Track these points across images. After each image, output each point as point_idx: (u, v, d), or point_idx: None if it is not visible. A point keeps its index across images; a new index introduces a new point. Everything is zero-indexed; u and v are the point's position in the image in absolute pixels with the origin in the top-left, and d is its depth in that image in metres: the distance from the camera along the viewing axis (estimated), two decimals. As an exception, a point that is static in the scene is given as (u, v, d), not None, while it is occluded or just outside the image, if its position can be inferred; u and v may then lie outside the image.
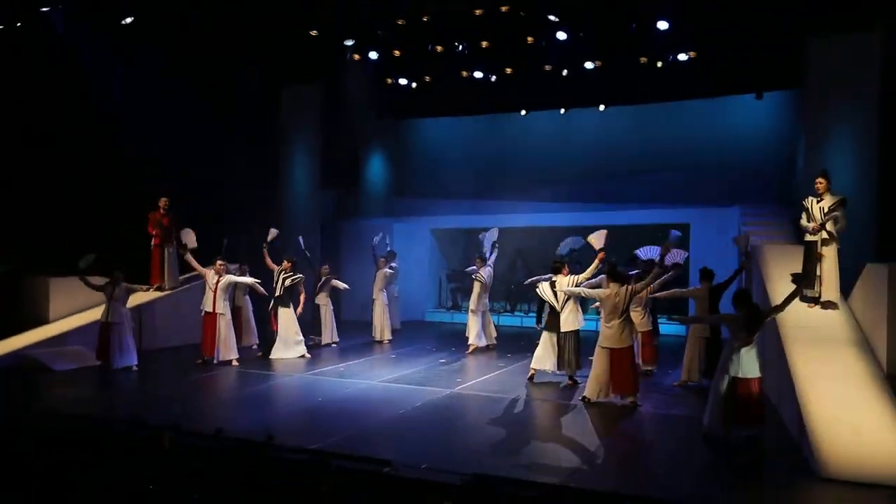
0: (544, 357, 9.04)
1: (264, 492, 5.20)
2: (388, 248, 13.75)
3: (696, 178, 14.71)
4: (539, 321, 9.58)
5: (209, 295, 10.43)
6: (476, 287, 11.65)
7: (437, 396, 8.42)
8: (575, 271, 9.18)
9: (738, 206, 13.38)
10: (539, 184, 16.02)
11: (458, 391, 8.73)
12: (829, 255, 7.87)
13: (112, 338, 9.80)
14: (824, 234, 7.88)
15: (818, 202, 7.97)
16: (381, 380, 9.41)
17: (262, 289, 11.22)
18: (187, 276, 12.57)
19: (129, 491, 5.26)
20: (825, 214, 7.84)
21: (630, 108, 15.33)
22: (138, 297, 11.15)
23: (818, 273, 7.88)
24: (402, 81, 15.30)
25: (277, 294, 10.98)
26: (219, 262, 10.55)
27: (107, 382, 9.23)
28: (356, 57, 14.20)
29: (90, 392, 8.65)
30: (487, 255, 11.82)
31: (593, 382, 7.90)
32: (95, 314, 10.90)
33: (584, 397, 7.96)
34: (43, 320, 11.17)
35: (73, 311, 11.46)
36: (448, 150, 17.61)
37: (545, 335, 9.08)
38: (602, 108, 15.25)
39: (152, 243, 11.99)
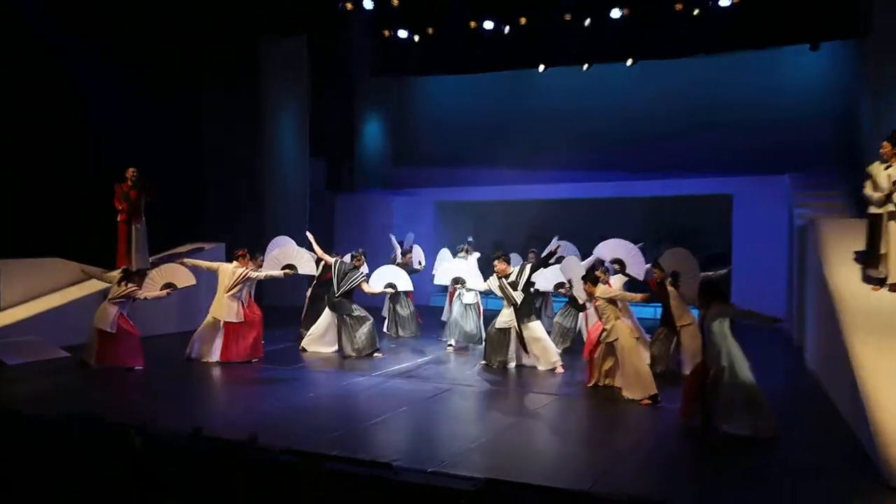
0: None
1: (248, 498, 5.17)
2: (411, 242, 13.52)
3: (739, 142, 14.60)
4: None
5: (227, 300, 9.96)
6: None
7: (445, 391, 8.39)
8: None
9: (789, 174, 13.24)
10: (559, 151, 15.88)
11: (469, 385, 8.72)
12: (898, 229, 7.73)
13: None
14: (891, 206, 7.72)
15: (885, 168, 7.80)
16: (381, 372, 9.40)
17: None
18: (158, 256, 12.53)
19: (96, 497, 5.23)
20: (894, 183, 7.68)
21: (663, 63, 15.15)
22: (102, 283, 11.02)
23: (884, 251, 7.74)
24: (402, 34, 15.11)
25: (338, 295, 10.52)
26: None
27: (69, 377, 9.21)
28: (349, 6, 14.05)
29: (49, 388, 8.62)
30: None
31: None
32: (52, 301, 10.89)
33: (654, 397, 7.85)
34: (-7, 308, 11.17)
35: (27, 297, 11.44)
36: (454, 114, 17.49)
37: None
38: (630, 63, 15.06)
39: (118, 219, 11.89)
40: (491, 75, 16.76)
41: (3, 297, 11.26)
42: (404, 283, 11.35)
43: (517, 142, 16.19)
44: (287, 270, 10.62)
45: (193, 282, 9.87)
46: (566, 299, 10.79)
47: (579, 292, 9.28)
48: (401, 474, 5.54)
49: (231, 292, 9.98)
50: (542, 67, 15.87)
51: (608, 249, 10.23)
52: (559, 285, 10.41)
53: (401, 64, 16.26)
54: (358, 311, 10.53)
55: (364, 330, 10.45)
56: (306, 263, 10.92)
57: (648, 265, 9.77)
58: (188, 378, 9.31)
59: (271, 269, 10.62)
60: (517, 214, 13.39)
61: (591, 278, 8.53)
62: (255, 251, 11.25)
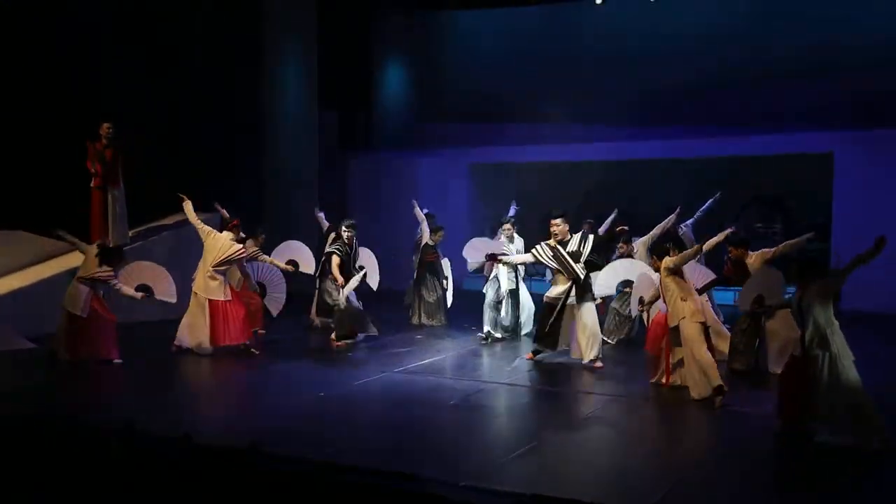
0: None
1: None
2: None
3: (841, 90, 14.30)
4: None
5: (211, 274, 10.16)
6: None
7: (478, 390, 8.41)
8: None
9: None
10: (619, 102, 15.73)
11: (508, 383, 8.72)
12: None
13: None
14: None
15: None
16: (402, 369, 9.45)
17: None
18: (140, 228, 12.67)
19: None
20: None
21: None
22: (76, 259, 11.11)
23: None
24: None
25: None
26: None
27: (36, 372, 9.36)
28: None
29: (14, 384, 8.78)
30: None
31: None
32: (15, 281, 11.04)
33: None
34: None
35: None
36: (492, 58, 17.38)
37: None
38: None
39: (91, 184, 12.00)
40: (536, 8, 16.61)
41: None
42: (307, 263, 11.35)
43: (568, 92, 16.06)
44: (289, 266, 10.80)
45: (174, 299, 9.93)
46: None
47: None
48: (428, 487, 5.58)
49: (218, 268, 10.09)
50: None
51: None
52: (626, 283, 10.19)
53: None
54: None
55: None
56: (307, 262, 11.21)
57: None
58: (176, 373, 9.42)
59: (278, 257, 10.92)
60: (570, 179, 13.28)
61: (659, 251, 8.45)
62: (258, 227, 11.37)
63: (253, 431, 6.53)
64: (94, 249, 9.72)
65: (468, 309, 12.71)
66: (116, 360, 9.57)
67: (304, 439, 6.72)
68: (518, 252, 11.15)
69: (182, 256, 12.69)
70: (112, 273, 9.57)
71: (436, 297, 12.58)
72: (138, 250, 12.43)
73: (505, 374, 9.21)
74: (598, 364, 9.33)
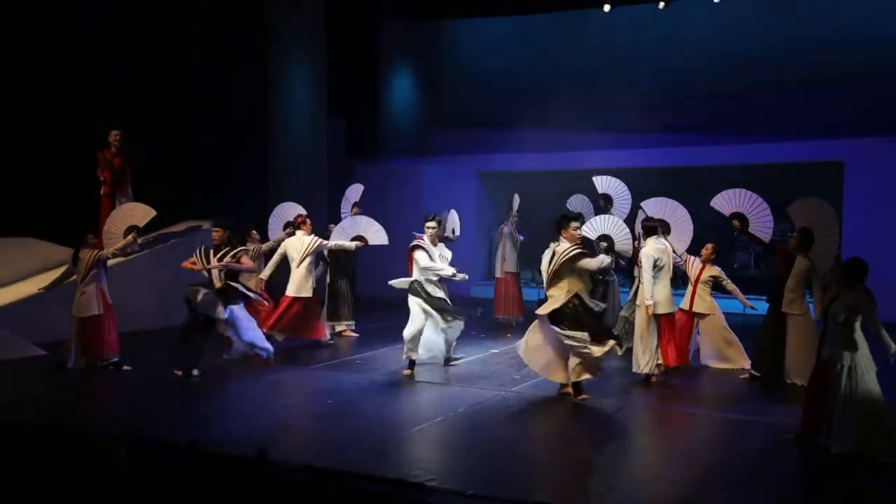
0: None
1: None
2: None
3: (852, 98, 14.25)
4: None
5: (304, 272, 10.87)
6: None
7: (487, 398, 8.40)
8: None
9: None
10: (627, 111, 15.71)
11: (516, 391, 8.70)
12: None
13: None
14: None
15: None
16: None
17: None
18: (151, 235, 12.69)
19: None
20: None
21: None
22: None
23: None
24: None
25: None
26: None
27: (45, 379, 9.38)
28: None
29: (22, 391, 8.80)
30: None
31: None
32: (25, 288, 11.06)
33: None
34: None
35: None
36: (501, 65, 17.40)
37: None
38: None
39: (101, 192, 12.08)
40: (546, 16, 16.62)
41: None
42: (376, 235, 11.31)
43: (575, 99, 16.02)
44: (358, 242, 11.07)
45: (153, 213, 10.08)
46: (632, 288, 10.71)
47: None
48: (435, 496, 5.57)
49: (304, 264, 10.77)
50: (607, 7, 15.72)
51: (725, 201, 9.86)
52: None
53: (435, 4, 16.24)
54: None
55: None
56: (376, 234, 11.28)
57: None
58: (184, 380, 9.43)
59: (339, 239, 11.15)
60: (576, 187, 13.18)
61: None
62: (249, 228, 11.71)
63: (261, 438, 6.55)
64: (89, 252, 9.65)
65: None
66: (126, 368, 9.62)
67: (309, 446, 6.78)
68: (443, 258, 9.71)
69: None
70: (99, 249, 9.64)
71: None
72: (144, 259, 12.50)
73: (512, 380, 9.17)
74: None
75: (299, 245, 10.88)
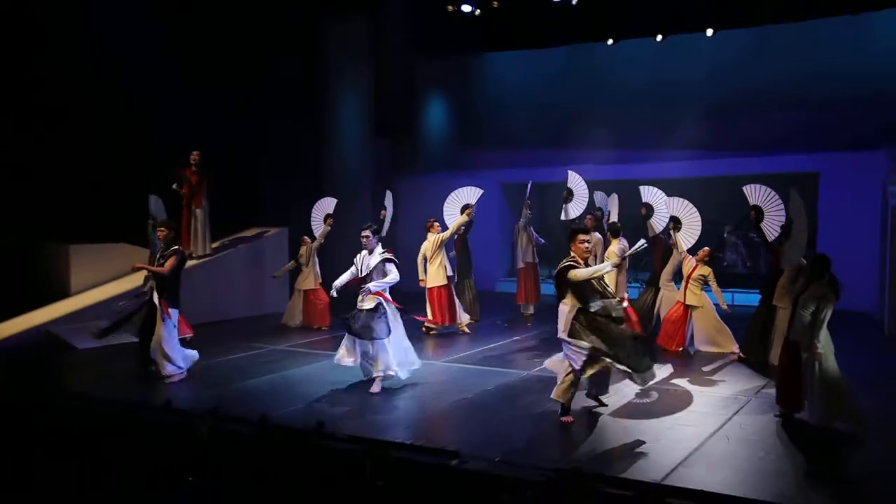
0: None
1: (314, 486, 5.32)
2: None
3: (828, 115, 14.10)
4: None
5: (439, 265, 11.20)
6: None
7: (511, 379, 8.43)
8: None
9: (885, 148, 12.81)
10: (630, 129, 15.66)
11: (537, 373, 8.67)
12: None
13: None
14: None
15: None
16: (444, 360, 9.54)
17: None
18: (223, 241, 12.87)
19: (166, 480, 5.49)
20: None
21: (744, 32, 14.82)
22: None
23: None
24: (465, 8, 15.16)
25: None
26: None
27: (139, 362, 9.50)
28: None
29: (119, 373, 8.96)
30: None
31: None
32: (122, 285, 11.28)
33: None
34: (64, 293, 11.64)
35: (96, 282, 11.91)
36: (521, 91, 17.44)
37: None
38: (710, 33, 14.74)
39: (182, 203, 12.29)
40: (557, 50, 16.60)
41: (73, 282, 11.76)
42: (472, 193, 11.52)
43: (585, 120, 15.99)
44: (467, 210, 11.38)
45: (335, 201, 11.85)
46: (640, 285, 10.68)
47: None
48: (467, 463, 5.62)
49: (438, 259, 11.10)
50: (611, 41, 15.68)
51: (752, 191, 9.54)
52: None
53: (464, 40, 16.31)
54: None
55: None
56: (471, 193, 11.51)
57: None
58: (251, 363, 9.55)
59: (452, 221, 11.49)
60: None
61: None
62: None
63: (318, 413, 6.64)
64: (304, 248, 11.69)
65: (501, 309, 12.71)
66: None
67: (358, 420, 6.81)
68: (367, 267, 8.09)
69: (256, 265, 12.99)
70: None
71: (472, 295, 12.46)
72: (219, 260, 12.68)
73: (539, 366, 8.96)
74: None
75: (431, 246, 11.18)
